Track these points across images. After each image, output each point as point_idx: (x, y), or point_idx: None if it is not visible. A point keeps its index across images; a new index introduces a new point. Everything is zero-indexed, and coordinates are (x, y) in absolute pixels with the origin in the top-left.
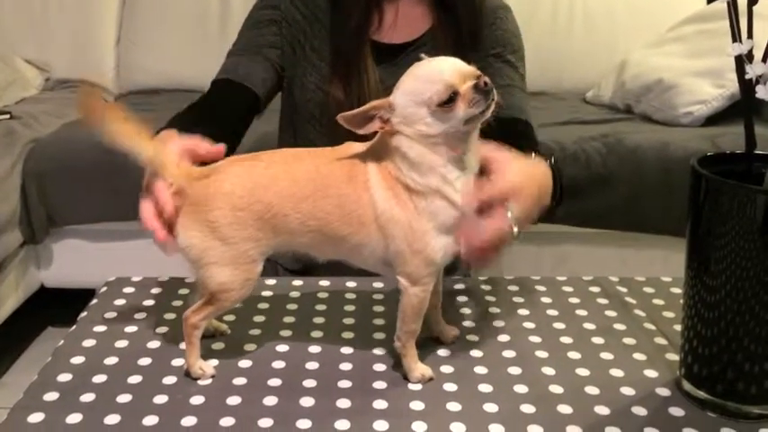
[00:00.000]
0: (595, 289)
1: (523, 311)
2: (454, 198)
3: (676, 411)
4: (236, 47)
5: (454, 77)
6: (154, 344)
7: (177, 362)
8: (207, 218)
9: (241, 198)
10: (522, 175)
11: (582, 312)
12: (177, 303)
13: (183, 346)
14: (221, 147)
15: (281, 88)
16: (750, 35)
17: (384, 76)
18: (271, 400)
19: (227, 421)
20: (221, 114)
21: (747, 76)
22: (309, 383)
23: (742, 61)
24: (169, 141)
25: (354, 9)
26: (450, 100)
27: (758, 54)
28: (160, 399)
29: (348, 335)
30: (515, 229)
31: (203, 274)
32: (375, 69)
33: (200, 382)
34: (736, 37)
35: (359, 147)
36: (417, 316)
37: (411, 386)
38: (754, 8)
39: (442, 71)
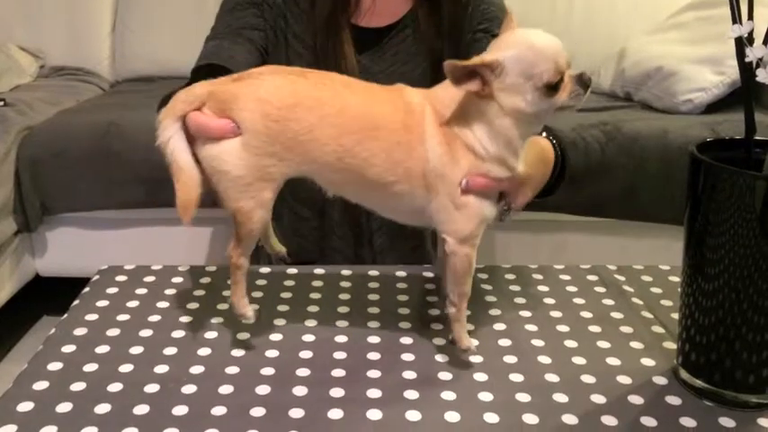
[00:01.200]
0: (593, 277)
1: (520, 300)
2: (516, 167)
3: (673, 400)
4: (215, 31)
5: (563, 62)
6: (146, 332)
7: (169, 351)
8: (233, 116)
9: (278, 110)
10: (531, 162)
11: (579, 301)
12: (170, 292)
13: (175, 334)
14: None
15: None
16: (750, 17)
17: (369, 63)
18: (263, 390)
19: (218, 410)
20: None
21: (747, 59)
22: (303, 372)
23: (742, 43)
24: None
25: None
26: (557, 86)
27: (759, 41)
28: (151, 388)
29: (342, 323)
30: (506, 214)
31: (217, 185)
32: (354, 55)
33: (191, 370)
34: (736, 19)
35: (411, 91)
36: (469, 276)
37: (405, 375)
38: None
39: (557, 52)
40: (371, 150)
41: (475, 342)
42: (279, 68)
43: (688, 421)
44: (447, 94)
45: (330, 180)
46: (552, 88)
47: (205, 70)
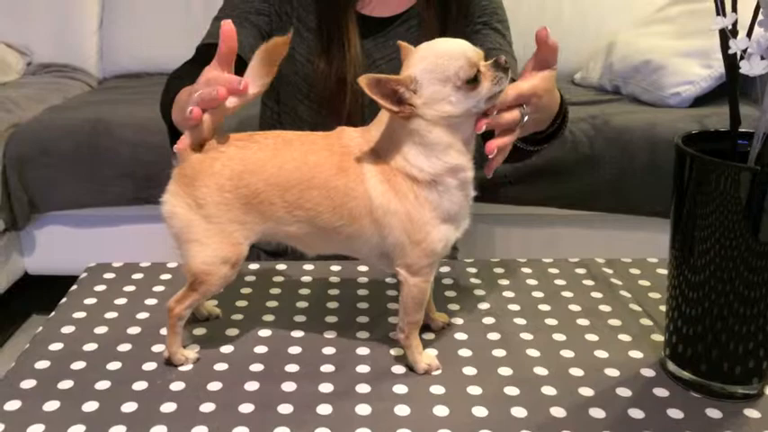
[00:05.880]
0: (581, 270)
1: (509, 294)
2: (467, 177)
3: (661, 392)
4: (223, 12)
5: (473, 55)
6: (134, 330)
7: (157, 348)
8: (194, 193)
9: (229, 180)
10: (545, 82)
11: (567, 294)
12: (158, 289)
13: (163, 331)
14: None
15: None
16: (734, 10)
17: (372, 48)
18: (252, 386)
19: (207, 407)
20: None
21: (731, 51)
22: (291, 368)
23: (726, 35)
24: None
25: None
26: (475, 78)
27: (743, 33)
28: (139, 385)
29: (331, 319)
30: (525, 119)
31: (185, 251)
32: (359, 42)
33: (180, 368)
34: (719, 11)
35: (351, 133)
36: (419, 307)
37: (394, 370)
38: None
39: (464, 49)
40: (313, 200)
41: (434, 353)
42: (234, 137)
43: (675, 413)
44: (379, 131)
45: (290, 234)
46: (472, 82)
47: (211, 48)
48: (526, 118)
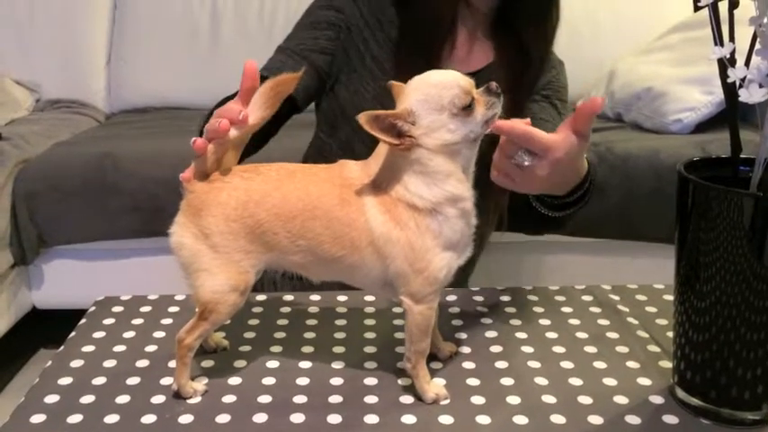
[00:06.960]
0: (588, 298)
1: (516, 322)
2: (467, 207)
3: (670, 419)
4: (288, 44)
5: (466, 84)
6: (142, 362)
7: (166, 381)
8: (201, 223)
9: (234, 210)
10: (574, 148)
11: (574, 321)
12: (166, 321)
13: (172, 364)
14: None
15: (323, 90)
16: (732, 39)
17: None
18: (260, 418)
19: None
20: None
21: (730, 80)
22: (300, 399)
23: (724, 64)
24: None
25: (433, 34)
26: (470, 105)
27: (741, 60)
28: (148, 418)
29: (339, 349)
30: (525, 163)
31: (194, 281)
32: None
33: (189, 400)
34: (717, 40)
35: (352, 166)
36: (425, 334)
37: (402, 400)
38: (737, 15)
39: (456, 78)
40: (315, 230)
41: (442, 382)
42: (240, 168)
43: None
44: (378, 164)
45: (294, 263)
46: (467, 109)
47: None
48: (526, 162)
